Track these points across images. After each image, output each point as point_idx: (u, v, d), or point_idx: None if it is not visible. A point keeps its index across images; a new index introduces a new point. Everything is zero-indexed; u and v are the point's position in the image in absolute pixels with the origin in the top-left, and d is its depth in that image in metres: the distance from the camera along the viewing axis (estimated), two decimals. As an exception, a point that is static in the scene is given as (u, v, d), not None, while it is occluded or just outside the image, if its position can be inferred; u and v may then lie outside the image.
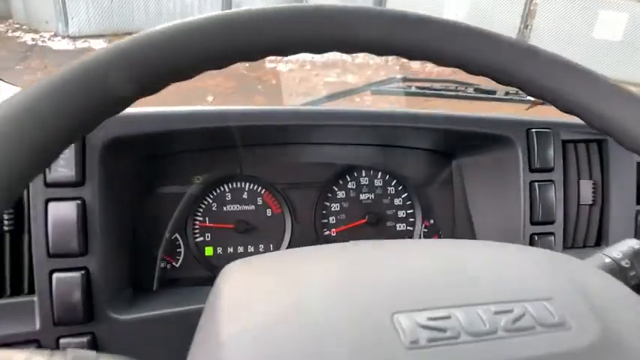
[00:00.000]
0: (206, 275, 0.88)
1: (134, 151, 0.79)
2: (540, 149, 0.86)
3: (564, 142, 0.89)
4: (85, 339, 0.66)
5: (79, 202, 0.66)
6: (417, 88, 1.24)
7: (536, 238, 0.85)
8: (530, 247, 0.47)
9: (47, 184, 0.66)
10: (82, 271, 0.66)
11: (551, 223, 0.86)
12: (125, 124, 0.70)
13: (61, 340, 0.66)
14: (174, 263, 0.87)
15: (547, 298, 0.35)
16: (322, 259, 0.41)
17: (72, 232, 0.65)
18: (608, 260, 0.55)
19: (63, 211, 0.65)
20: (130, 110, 0.70)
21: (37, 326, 0.66)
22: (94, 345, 0.67)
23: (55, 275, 0.65)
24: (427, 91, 1.23)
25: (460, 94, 1.20)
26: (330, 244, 0.45)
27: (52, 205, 0.65)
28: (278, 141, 0.92)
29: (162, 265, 0.86)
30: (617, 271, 0.54)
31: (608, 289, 0.40)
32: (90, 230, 0.67)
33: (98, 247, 0.67)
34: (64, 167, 0.66)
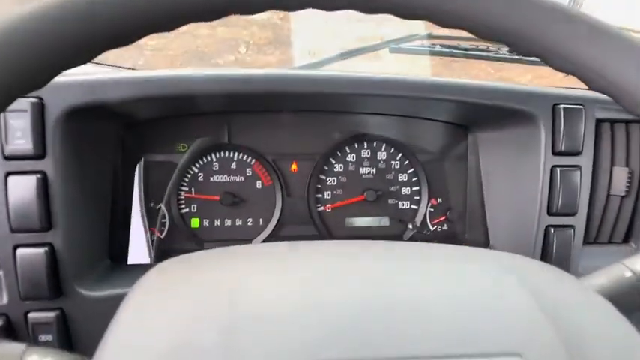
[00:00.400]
0: (193, 248, 0.84)
1: (111, 118, 0.75)
2: (567, 129, 0.73)
3: (598, 122, 0.76)
4: (52, 314, 0.65)
5: (39, 176, 0.62)
6: (443, 47, 1.11)
7: (552, 230, 0.75)
8: (514, 261, 0.39)
9: (6, 157, 0.62)
10: (46, 247, 0.63)
11: (572, 215, 0.75)
12: (87, 91, 0.64)
13: (29, 315, 0.65)
14: (159, 235, 0.84)
15: (514, 352, 0.27)
16: (252, 272, 0.34)
17: (32, 207, 0.62)
18: (628, 274, 0.45)
19: (23, 186, 0.62)
20: (93, 76, 0.66)
21: (5, 300, 0.65)
22: (64, 320, 0.66)
23: (19, 250, 0.63)
24: (454, 51, 1.10)
25: (491, 54, 1.06)
26: (278, 243, 0.39)
27: (11, 179, 0.62)
28: (270, 108, 0.85)
29: (147, 236, 0.83)
30: (637, 289, 0.45)
31: (607, 334, 0.31)
32: (53, 205, 0.64)
33: (63, 222, 0.64)
34: (20, 139, 0.62)
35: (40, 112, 0.62)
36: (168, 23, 0.33)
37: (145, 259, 0.83)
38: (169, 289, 0.34)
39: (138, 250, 0.82)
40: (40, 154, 0.62)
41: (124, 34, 0.31)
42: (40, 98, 0.62)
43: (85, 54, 0.31)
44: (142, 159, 0.83)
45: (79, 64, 0.32)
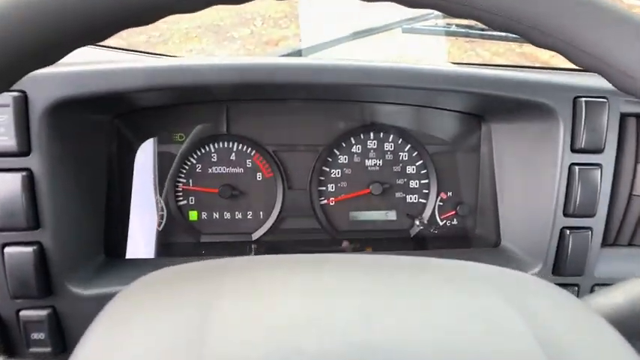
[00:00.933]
0: (191, 241, 0.82)
1: (102, 109, 0.71)
2: (589, 124, 0.68)
3: (623, 116, 0.70)
4: (44, 312, 0.64)
5: (24, 173, 0.60)
6: (459, 26, 1.04)
7: (567, 232, 0.70)
8: (513, 283, 0.35)
9: None
10: (35, 246, 0.61)
11: (590, 216, 0.70)
12: (72, 83, 0.61)
13: (21, 313, 0.64)
14: (156, 227, 0.82)
15: None
16: (227, 301, 0.32)
17: (18, 206, 0.60)
18: None
19: (7, 184, 0.60)
20: (79, 67, 0.62)
21: None
22: (56, 319, 0.65)
23: (7, 249, 0.61)
24: (470, 31, 1.03)
25: (510, 35, 0.99)
26: (271, 258, 0.36)
27: None
28: (273, 97, 0.80)
29: (157, 223, 0.81)
30: None
31: None
32: (40, 203, 0.61)
33: (52, 220, 0.62)
34: (3, 135, 0.59)
35: (23, 106, 0.59)
36: (145, 15, 0.30)
37: (146, 253, 0.81)
38: (135, 320, 0.31)
39: (137, 244, 0.80)
40: (24, 150, 0.60)
41: (99, 29, 0.29)
42: (23, 92, 0.59)
43: (56, 52, 0.29)
44: (156, 140, 0.80)
45: (50, 64, 0.29)
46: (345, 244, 0.84)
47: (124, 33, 0.33)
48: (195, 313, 0.30)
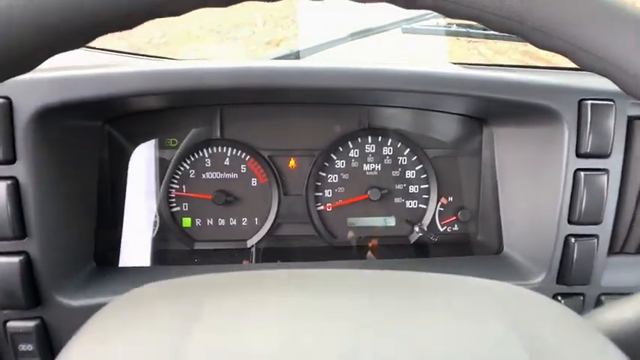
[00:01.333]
0: (184, 248, 0.80)
1: (91, 114, 0.69)
2: (595, 128, 0.65)
3: (631, 119, 0.67)
4: (32, 323, 0.62)
5: (9, 182, 0.58)
6: (460, 26, 1.01)
7: (572, 240, 0.68)
8: (511, 301, 0.33)
9: None
10: (21, 256, 0.60)
11: (596, 224, 0.67)
12: (59, 89, 0.59)
13: (8, 324, 0.62)
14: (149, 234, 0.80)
15: None
16: (211, 322, 0.30)
17: (3, 215, 0.58)
18: None
19: None
20: (65, 72, 0.60)
21: None
22: (44, 330, 0.63)
23: None
24: (471, 31, 1.01)
25: (513, 36, 0.96)
26: (266, 273, 0.34)
27: None
28: (267, 100, 0.78)
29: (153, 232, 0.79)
30: None
31: None
32: (27, 212, 0.59)
33: (39, 229, 0.60)
34: (-13, 143, 0.57)
35: (7, 113, 0.57)
36: (128, 19, 0.29)
37: (138, 260, 0.79)
38: (118, 335, 0.30)
39: (129, 252, 0.78)
40: (9, 158, 0.58)
41: (80, 33, 0.28)
42: (8, 98, 0.57)
43: (34, 58, 0.28)
44: (151, 145, 0.78)
45: (28, 70, 0.28)
46: (350, 234, 0.82)
47: (125, 34, 0.32)
48: (177, 335, 0.28)
